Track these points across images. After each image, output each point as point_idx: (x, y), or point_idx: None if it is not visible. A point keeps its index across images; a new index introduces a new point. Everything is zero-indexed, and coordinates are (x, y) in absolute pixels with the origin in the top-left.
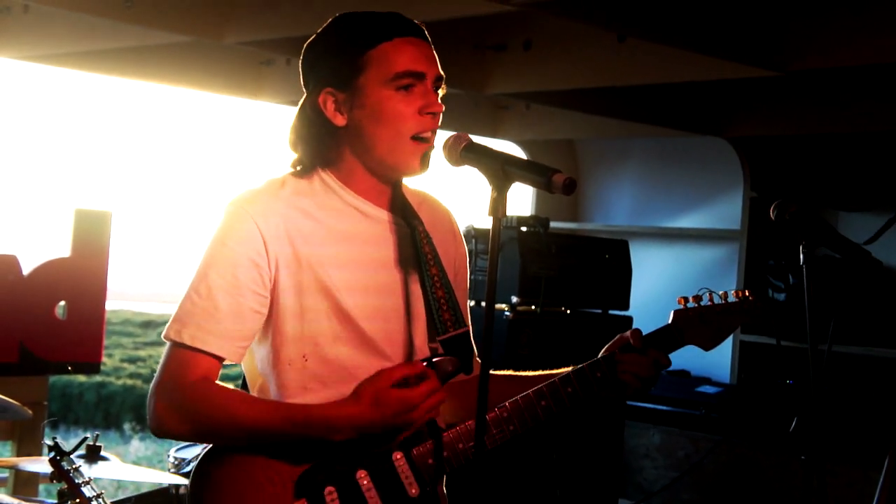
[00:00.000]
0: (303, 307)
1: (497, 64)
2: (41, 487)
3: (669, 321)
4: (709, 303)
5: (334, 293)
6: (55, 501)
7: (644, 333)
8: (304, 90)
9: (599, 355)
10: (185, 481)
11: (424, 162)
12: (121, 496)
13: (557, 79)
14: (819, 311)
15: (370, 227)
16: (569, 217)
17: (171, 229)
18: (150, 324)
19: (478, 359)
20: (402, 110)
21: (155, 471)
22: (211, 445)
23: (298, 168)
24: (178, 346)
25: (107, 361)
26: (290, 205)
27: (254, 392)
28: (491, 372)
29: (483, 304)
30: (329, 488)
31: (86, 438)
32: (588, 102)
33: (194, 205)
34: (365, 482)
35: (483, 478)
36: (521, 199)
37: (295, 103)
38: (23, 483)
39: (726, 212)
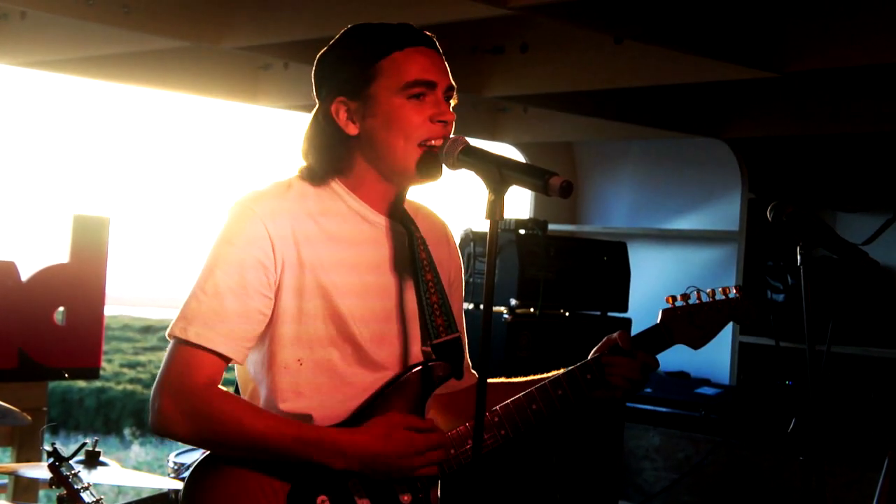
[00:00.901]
0: (301, 310)
1: (494, 67)
2: (41, 493)
3: (658, 321)
4: (697, 301)
5: (332, 296)
6: None
7: (633, 334)
8: (317, 100)
9: (589, 357)
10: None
11: (437, 168)
12: (121, 502)
13: (555, 81)
14: (817, 312)
15: (369, 231)
16: (567, 219)
17: (171, 234)
18: (149, 329)
19: (473, 371)
20: (414, 118)
21: (154, 476)
22: (207, 453)
23: (310, 176)
24: (183, 345)
25: (106, 367)
26: (296, 207)
27: (246, 397)
28: (501, 380)
29: (481, 306)
30: (321, 497)
31: (85, 444)
32: (586, 105)
33: (193, 210)
34: (357, 490)
35: (478, 482)
36: (520, 202)
37: (293, 108)
38: (22, 489)
39: (724, 213)
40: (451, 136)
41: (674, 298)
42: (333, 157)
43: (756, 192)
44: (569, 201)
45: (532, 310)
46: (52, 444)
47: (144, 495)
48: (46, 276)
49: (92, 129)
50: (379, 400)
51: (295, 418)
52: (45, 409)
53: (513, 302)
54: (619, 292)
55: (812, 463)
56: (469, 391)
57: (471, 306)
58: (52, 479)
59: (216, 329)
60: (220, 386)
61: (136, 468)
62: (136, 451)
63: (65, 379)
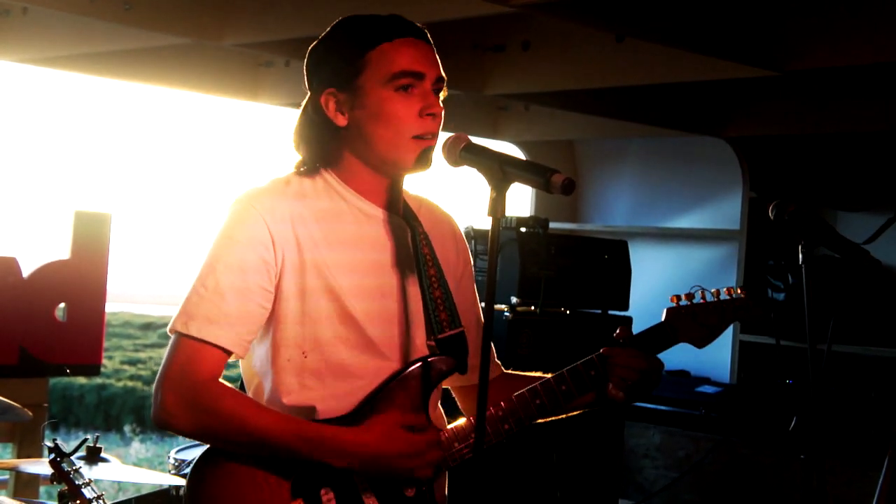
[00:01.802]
0: (305, 308)
1: (496, 65)
2: (42, 489)
3: (662, 319)
4: (701, 300)
5: (341, 297)
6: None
7: (636, 332)
8: (308, 91)
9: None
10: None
11: (427, 159)
12: (122, 498)
13: (556, 79)
14: (818, 311)
15: (371, 228)
16: (568, 217)
17: (172, 231)
18: (150, 326)
19: (497, 361)
20: (401, 111)
21: (155, 472)
22: (209, 447)
23: (302, 168)
24: (185, 339)
25: (107, 363)
26: (296, 204)
27: (250, 392)
28: (510, 371)
29: (483, 304)
30: (325, 489)
31: (86, 440)
32: (587, 103)
33: (194, 206)
34: (362, 484)
35: (482, 476)
36: (521, 200)
37: (294, 105)
38: (23, 485)
39: (725, 212)
40: (453, 133)
41: (678, 297)
42: (323, 149)
43: (757, 190)
44: (570, 199)
45: (533, 308)
46: (53, 440)
47: (145, 491)
48: (47, 273)
49: (93, 126)
50: (382, 394)
51: (299, 411)
52: (45, 405)
53: (514, 300)
54: (619, 290)
55: (813, 461)
56: (494, 382)
57: None
58: (53, 475)
59: (217, 324)
60: (221, 380)
61: (137, 464)
62: (137, 447)
63: (66, 375)
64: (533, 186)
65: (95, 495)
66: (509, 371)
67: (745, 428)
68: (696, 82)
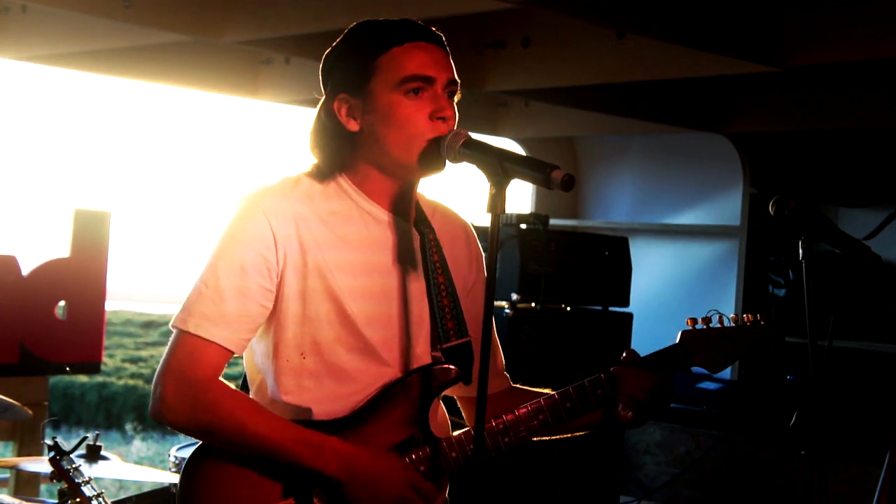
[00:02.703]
0: (305, 310)
1: (496, 61)
2: (42, 487)
3: (677, 341)
4: (718, 325)
5: (340, 299)
6: (56, 501)
7: (647, 354)
8: (322, 95)
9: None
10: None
11: (440, 160)
12: (123, 496)
13: (556, 76)
14: (819, 307)
15: (377, 231)
16: (568, 214)
17: (172, 229)
18: (151, 324)
19: (506, 373)
20: (411, 114)
21: (155, 470)
22: (202, 443)
23: (317, 173)
24: (185, 335)
25: (108, 362)
26: (302, 205)
27: (253, 389)
28: (517, 386)
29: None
30: (317, 489)
31: (85, 438)
32: (587, 99)
33: (194, 204)
34: None
35: (481, 481)
36: (521, 197)
37: (295, 102)
38: (24, 483)
39: (726, 208)
40: (453, 129)
41: (694, 321)
42: (337, 154)
43: (757, 186)
44: (570, 196)
45: (533, 304)
46: (54, 438)
47: (146, 490)
48: (47, 271)
49: (93, 124)
50: (382, 399)
51: (296, 411)
52: (46, 403)
53: (514, 296)
54: (620, 287)
55: (814, 457)
56: (498, 397)
57: None
58: (53, 473)
59: (215, 321)
60: (222, 379)
61: (138, 463)
62: (138, 445)
63: (66, 374)
64: (533, 182)
65: (95, 493)
66: (517, 385)
67: (746, 424)
68: (697, 78)
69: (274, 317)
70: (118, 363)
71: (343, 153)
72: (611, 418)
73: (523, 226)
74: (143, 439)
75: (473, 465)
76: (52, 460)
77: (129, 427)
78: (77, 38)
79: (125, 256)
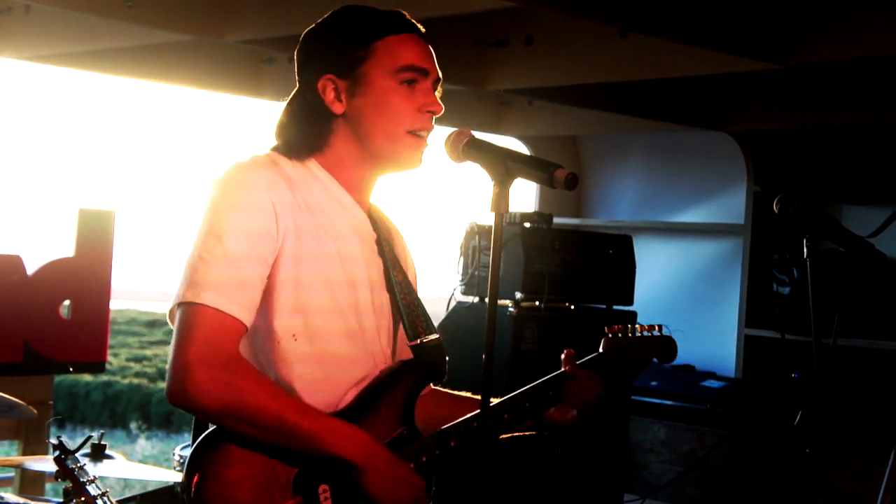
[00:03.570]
0: (298, 298)
1: (499, 60)
2: (47, 486)
3: (601, 349)
4: (638, 334)
5: (335, 289)
6: (61, 500)
7: (579, 361)
8: (298, 78)
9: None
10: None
11: (417, 157)
12: (128, 494)
13: (559, 74)
14: (823, 305)
15: (345, 221)
16: (572, 213)
17: (176, 228)
18: (155, 323)
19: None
20: (402, 104)
21: (160, 469)
22: (204, 437)
23: (286, 151)
24: (202, 309)
25: (113, 361)
26: (289, 186)
27: None
28: (438, 389)
29: (486, 300)
30: (323, 486)
31: (90, 437)
32: (590, 98)
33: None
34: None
35: (480, 476)
36: (525, 195)
37: None
38: (29, 482)
39: (730, 206)
40: (456, 128)
41: (611, 329)
42: (314, 133)
43: (762, 184)
44: (574, 194)
45: (537, 303)
46: (58, 437)
47: (150, 488)
48: (52, 270)
49: (97, 123)
50: (373, 394)
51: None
52: (50, 402)
53: (518, 295)
54: (624, 285)
55: (818, 456)
56: (427, 396)
57: (476, 300)
58: (58, 472)
59: (231, 294)
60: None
61: (142, 461)
62: (142, 444)
63: (70, 373)
64: (536, 181)
65: (100, 492)
66: (437, 388)
67: (750, 422)
68: (700, 76)
69: (266, 302)
70: (123, 362)
71: (318, 134)
72: (543, 420)
73: (527, 225)
74: (148, 438)
75: (483, 446)
76: (56, 459)
77: (133, 426)
78: (80, 38)
79: (129, 255)
